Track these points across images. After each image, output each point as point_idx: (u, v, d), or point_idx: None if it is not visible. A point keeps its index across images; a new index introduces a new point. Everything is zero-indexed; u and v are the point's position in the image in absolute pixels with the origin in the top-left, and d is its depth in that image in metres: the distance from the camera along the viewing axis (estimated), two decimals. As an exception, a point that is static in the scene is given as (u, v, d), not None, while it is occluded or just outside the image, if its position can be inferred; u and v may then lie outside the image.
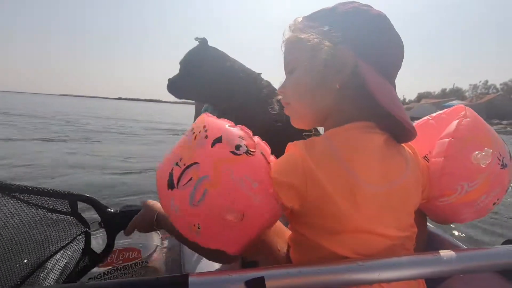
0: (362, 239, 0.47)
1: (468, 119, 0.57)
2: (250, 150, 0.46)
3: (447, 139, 0.56)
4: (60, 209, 0.71)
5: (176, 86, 1.19)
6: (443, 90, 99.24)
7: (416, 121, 0.69)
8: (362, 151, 0.48)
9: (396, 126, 0.51)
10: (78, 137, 6.59)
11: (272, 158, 0.50)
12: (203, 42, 1.13)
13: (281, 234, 0.58)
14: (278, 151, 0.51)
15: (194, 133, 0.49)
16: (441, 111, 0.66)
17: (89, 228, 0.74)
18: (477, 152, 0.54)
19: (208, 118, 0.51)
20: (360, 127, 0.51)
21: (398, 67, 0.54)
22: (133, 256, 0.84)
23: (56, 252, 0.70)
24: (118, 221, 0.74)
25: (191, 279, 0.39)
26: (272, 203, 0.47)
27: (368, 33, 0.50)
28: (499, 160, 0.56)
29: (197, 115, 1.55)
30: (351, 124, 0.51)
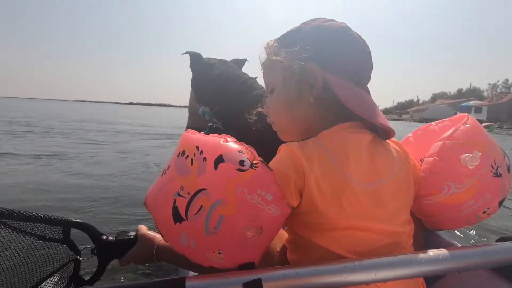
0: (356, 236, 0.48)
1: (467, 125, 0.59)
2: (253, 163, 0.44)
3: (441, 142, 0.58)
4: (52, 236, 0.67)
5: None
6: (459, 90, 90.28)
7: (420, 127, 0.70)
8: (351, 150, 0.50)
9: (376, 125, 0.53)
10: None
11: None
12: (192, 56, 1.27)
13: (279, 236, 0.58)
14: (264, 155, 0.51)
15: (187, 156, 0.46)
16: (446, 119, 0.67)
17: (79, 256, 0.70)
18: (466, 154, 0.54)
19: (197, 137, 0.49)
20: (346, 128, 0.53)
21: (367, 71, 0.58)
22: None
23: (42, 281, 0.65)
24: (113, 249, 0.70)
25: (188, 283, 0.39)
26: (285, 208, 0.46)
27: (332, 47, 0.55)
28: (492, 167, 0.56)
29: (190, 120, 1.58)
30: (337, 126, 0.53)
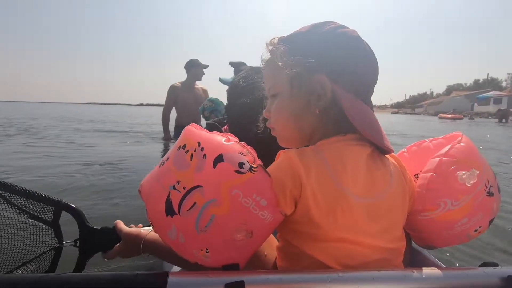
0: (346, 249, 0.48)
1: (462, 144, 0.59)
2: (253, 167, 0.44)
3: (438, 158, 0.58)
4: (42, 216, 0.66)
5: None
6: (476, 81, 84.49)
7: (414, 143, 0.70)
8: (350, 163, 0.49)
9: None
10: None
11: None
12: (232, 64, 1.57)
13: (269, 241, 0.57)
14: (265, 156, 0.50)
15: (187, 151, 0.46)
16: (440, 137, 0.68)
17: (62, 244, 0.68)
18: (463, 172, 0.55)
19: (200, 132, 0.48)
20: (346, 140, 0.53)
21: (373, 85, 0.57)
22: None
23: (20, 266, 0.64)
24: (97, 240, 0.69)
25: (170, 278, 0.39)
26: (278, 215, 0.46)
27: (343, 59, 0.53)
28: (486, 186, 0.57)
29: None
30: (337, 137, 0.53)
